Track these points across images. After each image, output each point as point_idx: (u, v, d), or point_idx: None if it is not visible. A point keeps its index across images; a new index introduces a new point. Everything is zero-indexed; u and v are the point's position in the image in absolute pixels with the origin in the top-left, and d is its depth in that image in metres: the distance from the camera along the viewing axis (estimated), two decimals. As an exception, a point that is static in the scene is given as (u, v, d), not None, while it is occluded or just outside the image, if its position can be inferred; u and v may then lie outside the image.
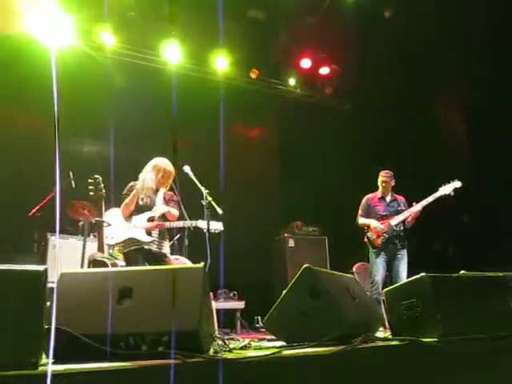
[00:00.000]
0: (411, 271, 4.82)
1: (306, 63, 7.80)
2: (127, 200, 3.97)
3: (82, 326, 2.11)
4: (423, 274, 2.49)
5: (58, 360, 2.07)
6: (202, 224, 3.88)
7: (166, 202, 4.10)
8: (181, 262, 4.34)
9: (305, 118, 7.74)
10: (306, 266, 2.52)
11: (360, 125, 7.36)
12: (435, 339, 2.32)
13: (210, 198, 3.74)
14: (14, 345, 1.76)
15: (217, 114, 6.03)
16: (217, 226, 3.84)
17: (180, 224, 3.99)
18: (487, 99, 6.14)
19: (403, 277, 4.91)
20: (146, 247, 3.95)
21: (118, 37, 6.24)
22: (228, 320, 5.90)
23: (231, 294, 6.09)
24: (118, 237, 4.01)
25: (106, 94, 5.18)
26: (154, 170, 4.11)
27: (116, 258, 3.99)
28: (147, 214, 4.03)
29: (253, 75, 7.44)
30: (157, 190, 4.09)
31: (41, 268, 1.79)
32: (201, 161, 4.59)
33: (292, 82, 7.92)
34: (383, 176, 5.31)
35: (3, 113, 5.64)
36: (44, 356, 1.95)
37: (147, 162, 4.25)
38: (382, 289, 5.07)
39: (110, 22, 5.96)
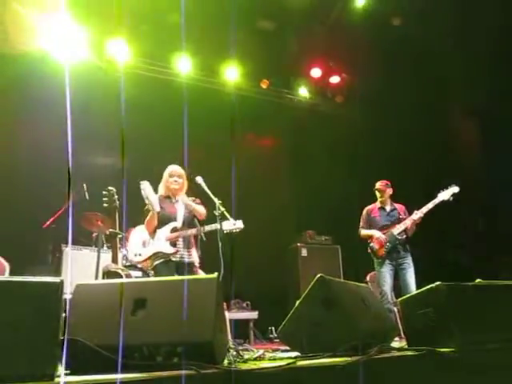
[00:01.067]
0: (421, 278, 4.79)
1: (316, 72, 7.83)
2: (148, 218, 4.01)
3: (97, 336, 2.12)
4: (439, 282, 2.46)
5: (73, 371, 2.09)
6: (225, 225, 3.81)
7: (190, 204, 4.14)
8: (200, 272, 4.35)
9: (316, 127, 7.75)
10: (319, 275, 2.51)
11: (372, 133, 7.36)
12: (452, 349, 2.29)
13: (222, 209, 3.75)
14: (31, 356, 1.78)
15: (228, 124, 6.07)
16: (235, 225, 3.80)
17: (200, 230, 4.00)
18: (499, 103, 6.12)
19: (411, 285, 4.90)
20: (173, 259, 3.98)
21: (130, 50, 6.33)
22: (241, 330, 5.88)
23: (244, 305, 6.07)
24: (145, 253, 4.07)
25: (118, 107, 5.25)
26: (164, 181, 4.23)
27: (135, 269, 4.02)
28: (171, 225, 4.07)
29: (263, 85, 7.49)
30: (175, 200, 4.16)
31: (57, 280, 1.81)
32: (213, 171, 4.61)
33: (303, 91, 7.95)
34: (378, 185, 5.35)
35: (18, 127, 5.73)
36: (60, 367, 1.97)
37: (161, 172, 4.31)
38: (394, 297, 5.07)
39: (122, 35, 6.05)
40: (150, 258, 4.06)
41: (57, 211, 4.88)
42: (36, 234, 5.16)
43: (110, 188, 3.83)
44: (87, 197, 4.77)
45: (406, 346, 2.57)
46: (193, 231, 4.02)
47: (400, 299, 2.80)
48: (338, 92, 8.08)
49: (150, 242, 4.10)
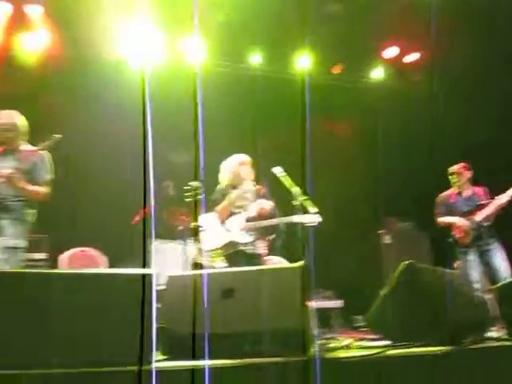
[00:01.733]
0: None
1: (391, 52, 7.52)
2: (225, 203, 4.07)
3: (187, 325, 2.23)
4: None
5: (166, 357, 2.22)
6: (300, 219, 3.76)
7: (258, 196, 4.15)
8: (276, 262, 4.39)
9: (392, 109, 7.45)
10: (408, 262, 2.44)
11: (452, 112, 6.93)
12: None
13: (302, 198, 3.74)
14: (130, 343, 1.91)
15: (303, 113, 6.02)
16: (313, 219, 3.79)
17: (275, 221, 4.02)
18: None
19: (503, 271, 4.58)
20: (245, 249, 4.01)
21: (205, 47, 6.48)
22: (324, 320, 5.85)
23: (327, 294, 6.04)
24: (217, 241, 4.10)
25: (196, 105, 5.42)
26: (228, 169, 4.22)
27: (216, 261, 4.13)
28: (243, 215, 4.09)
29: (336, 71, 7.33)
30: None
31: (150, 271, 1.93)
32: (290, 161, 4.60)
33: (377, 73, 7.67)
34: (455, 168, 5.04)
35: (101, 128, 6.05)
36: (156, 353, 2.09)
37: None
38: (486, 285, 4.76)
39: (202, 36, 6.21)
40: (222, 246, 4.09)
41: (143, 208, 5.15)
42: (127, 228, 5.49)
43: (192, 183, 3.97)
44: (171, 192, 4.98)
45: (506, 336, 2.42)
46: (272, 221, 4.02)
47: (493, 287, 2.64)
48: (414, 71, 7.69)
49: (221, 231, 4.12)
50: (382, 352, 2.01)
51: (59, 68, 5.82)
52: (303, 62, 7.00)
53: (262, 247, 4.13)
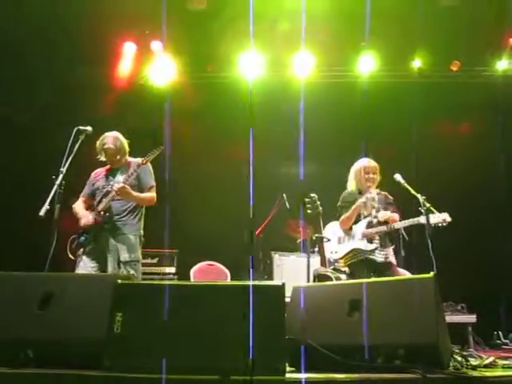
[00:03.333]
0: None
1: (516, 41, 6.82)
2: (348, 214, 4.02)
3: (314, 336, 2.21)
4: None
5: (295, 368, 2.21)
6: (430, 219, 3.57)
7: (384, 204, 4.02)
8: (401, 272, 4.18)
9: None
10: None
11: None
12: None
13: (428, 205, 3.53)
14: (263, 353, 1.94)
15: (418, 114, 5.75)
16: (442, 218, 3.53)
17: (399, 225, 3.83)
18: None
19: None
20: (370, 257, 3.91)
21: (312, 60, 6.52)
22: (457, 335, 5.41)
23: (458, 307, 5.58)
24: (341, 250, 4.07)
25: (306, 117, 5.46)
26: (353, 176, 4.14)
27: (340, 272, 4.08)
28: (366, 221, 4.00)
29: (454, 68, 6.86)
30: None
31: (279, 283, 1.96)
32: (410, 166, 4.40)
33: (502, 64, 7.00)
34: None
35: (212, 144, 6.38)
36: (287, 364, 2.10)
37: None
38: None
39: (305, 48, 6.29)
40: (346, 255, 4.03)
41: (263, 221, 5.29)
42: (243, 243, 5.66)
43: (312, 194, 3.98)
44: (288, 206, 5.04)
45: None
46: (394, 226, 3.84)
47: None
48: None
49: (345, 239, 4.07)
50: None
51: (182, 92, 6.34)
52: (417, 62, 6.69)
53: (390, 255, 3.97)
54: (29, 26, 5.45)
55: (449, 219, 3.54)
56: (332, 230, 4.22)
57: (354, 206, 3.97)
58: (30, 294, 2.19)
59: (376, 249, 3.90)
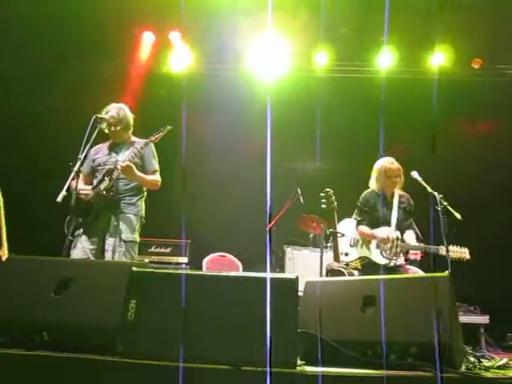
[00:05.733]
0: None
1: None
2: (366, 232, 3.97)
3: (327, 331, 2.21)
4: None
5: (307, 362, 2.21)
6: (451, 251, 3.53)
7: (404, 208, 3.98)
8: (414, 271, 4.15)
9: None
10: None
11: None
12: None
13: (445, 203, 3.49)
14: (276, 345, 1.94)
15: (438, 112, 5.65)
16: (461, 254, 3.49)
17: (417, 247, 3.80)
18: None
19: None
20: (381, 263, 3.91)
21: (330, 54, 6.47)
22: (469, 336, 5.36)
23: (471, 308, 5.53)
24: (353, 254, 4.05)
25: (318, 112, 5.43)
26: (376, 175, 4.07)
27: (352, 268, 4.08)
28: (384, 230, 3.93)
29: (476, 65, 6.73)
30: (391, 195, 4.01)
31: (293, 276, 1.96)
32: (427, 164, 4.35)
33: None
34: None
35: (229, 137, 6.37)
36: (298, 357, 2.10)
37: (367, 174, 4.24)
38: None
39: (324, 42, 6.24)
40: (357, 259, 4.02)
41: (276, 214, 5.27)
42: (258, 235, 5.67)
43: (327, 190, 3.95)
44: (302, 200, 5.03)
45: None
46: (417, 246, 3.79)
47: None
48: None
49: (358, 243, 4.03)
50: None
51: (197, 82, 6.33)
52: (437, 59, 6.58)
53: (400, 259, 3.94)
54: (47, 15, 5.49)
55: (468, 257, 3.50)
56: (346, 228, 4.18)
57: (375, 234, 3.90)
58: (47, 278, 2.22)
59: (390, 261, 3.88)
